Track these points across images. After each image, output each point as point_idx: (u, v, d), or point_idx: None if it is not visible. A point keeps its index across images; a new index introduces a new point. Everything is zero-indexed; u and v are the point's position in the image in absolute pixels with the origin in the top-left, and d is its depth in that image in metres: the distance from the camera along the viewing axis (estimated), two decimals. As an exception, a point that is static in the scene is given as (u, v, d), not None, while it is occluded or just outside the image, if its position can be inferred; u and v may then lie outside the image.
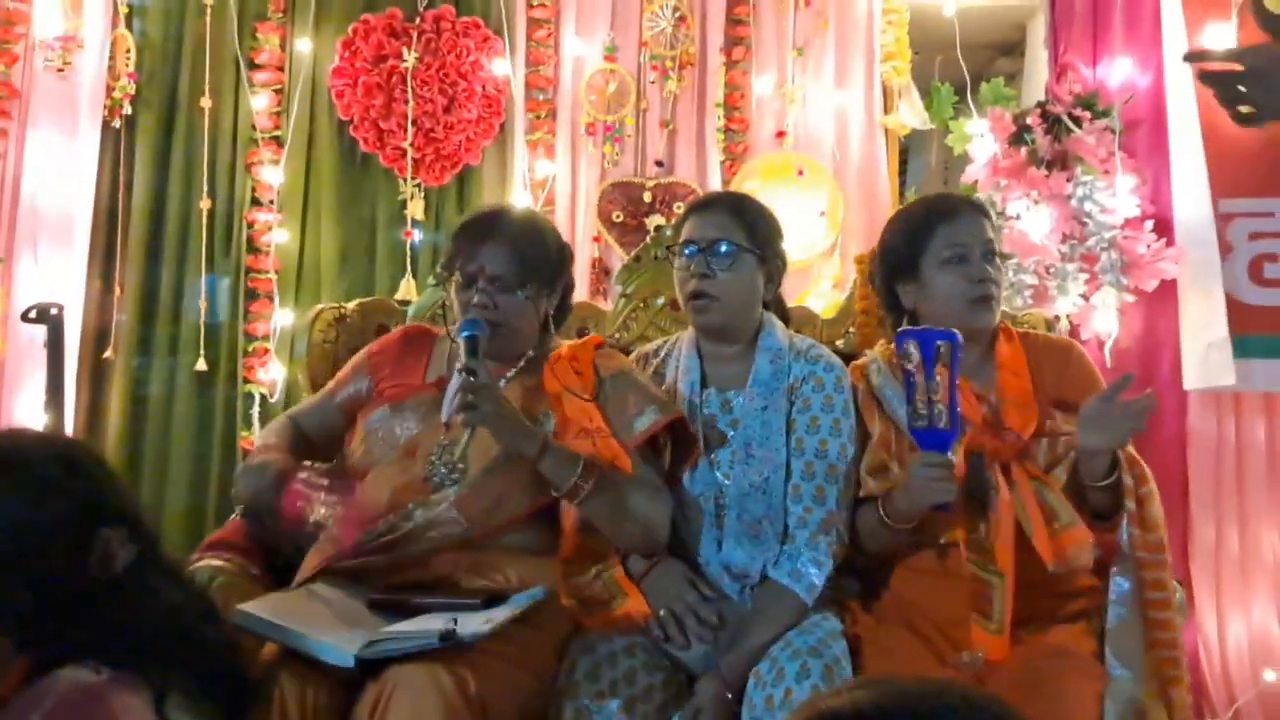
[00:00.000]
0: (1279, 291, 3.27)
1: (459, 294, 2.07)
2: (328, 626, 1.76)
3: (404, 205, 3.55)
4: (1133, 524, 1.95)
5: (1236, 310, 3.25)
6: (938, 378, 1.86)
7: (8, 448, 1.54)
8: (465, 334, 1.94)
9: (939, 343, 1.87)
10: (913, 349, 1.88)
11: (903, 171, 5.01)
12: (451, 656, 1.67)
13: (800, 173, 3.55)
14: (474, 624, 1.73)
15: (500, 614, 1.79)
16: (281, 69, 3.55)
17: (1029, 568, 1.93)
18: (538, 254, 2.10)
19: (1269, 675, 3.32)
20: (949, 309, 2.10)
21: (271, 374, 3.50)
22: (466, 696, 1.65)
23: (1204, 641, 3.39)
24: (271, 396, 3.50)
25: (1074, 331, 3.35)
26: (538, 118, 3.58)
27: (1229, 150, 3.28)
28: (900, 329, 2.01)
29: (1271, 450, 3.45)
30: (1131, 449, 2.00)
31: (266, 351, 3.50)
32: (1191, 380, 3.27)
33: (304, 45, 3.55)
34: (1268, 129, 3.30)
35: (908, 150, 4.79)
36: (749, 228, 2.14)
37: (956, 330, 1.90)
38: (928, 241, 2.13)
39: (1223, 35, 3.30)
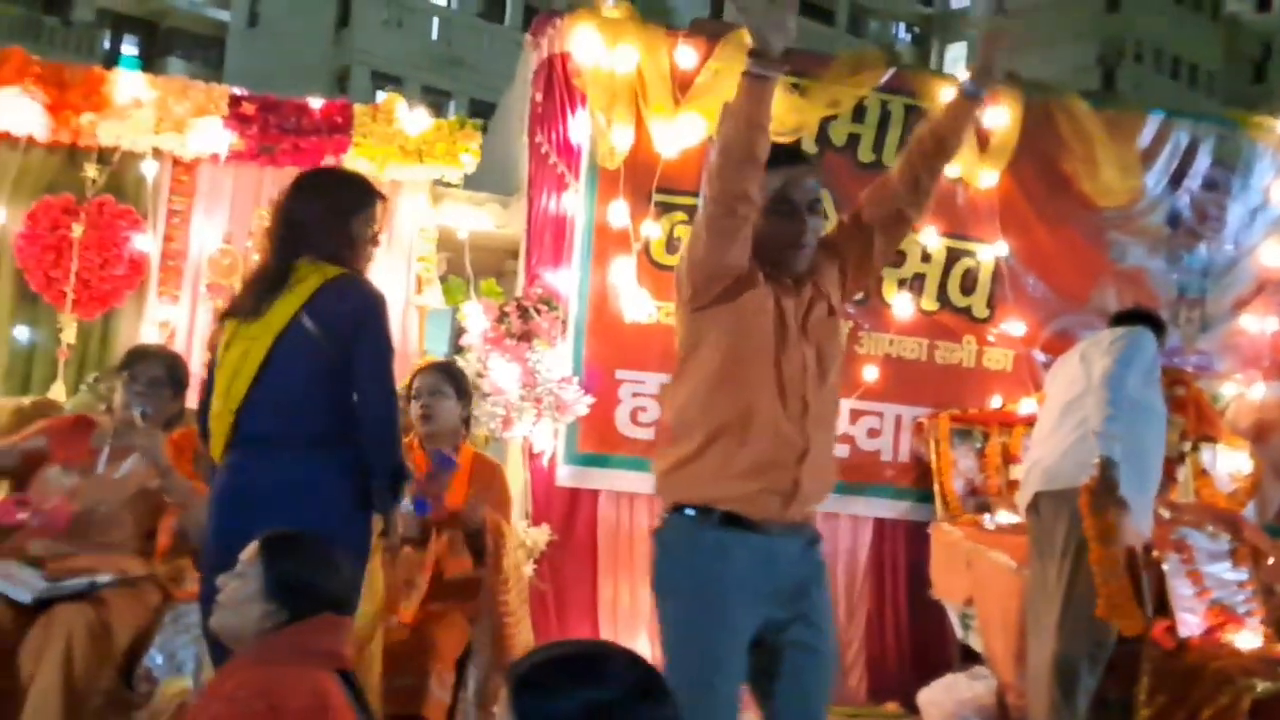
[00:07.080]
0: (647, 430, 5.26)
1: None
2: (15, 578, 3.18)
3: (59, 331, 4.90)
4: (492, 567, 3.69)
5: (620, 439, 5.22)
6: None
7: None
8: None
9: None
10: None
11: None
12: (91, 599, 3.16)
13: (357, 331, 5.18)
14: (107, 579, 3.23)
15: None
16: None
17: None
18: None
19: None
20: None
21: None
22: (101, 620, 3.14)
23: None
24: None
25: (527, 446, 5.15)
26: (168, 278, 5.05)
27: (622, 337, 5.26)
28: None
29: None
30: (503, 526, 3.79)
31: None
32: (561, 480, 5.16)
33: (-1, 214, 4.86)
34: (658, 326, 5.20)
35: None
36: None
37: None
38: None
39: (626, 268, 5.29)
